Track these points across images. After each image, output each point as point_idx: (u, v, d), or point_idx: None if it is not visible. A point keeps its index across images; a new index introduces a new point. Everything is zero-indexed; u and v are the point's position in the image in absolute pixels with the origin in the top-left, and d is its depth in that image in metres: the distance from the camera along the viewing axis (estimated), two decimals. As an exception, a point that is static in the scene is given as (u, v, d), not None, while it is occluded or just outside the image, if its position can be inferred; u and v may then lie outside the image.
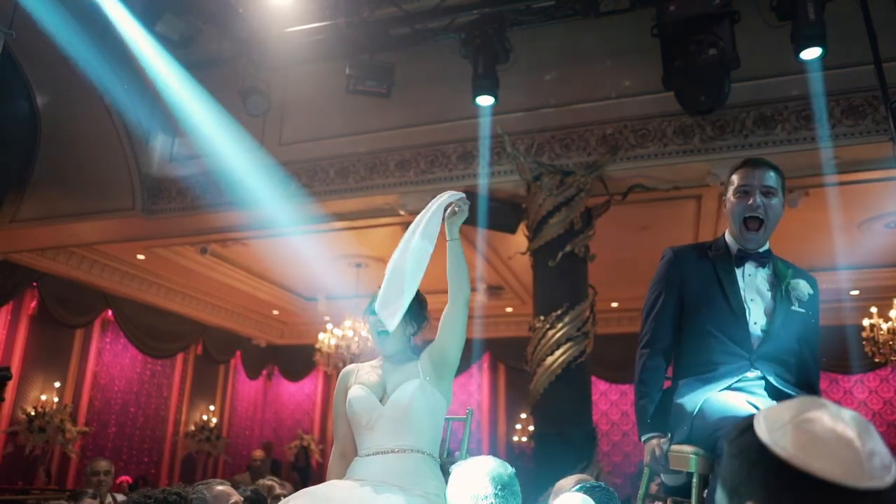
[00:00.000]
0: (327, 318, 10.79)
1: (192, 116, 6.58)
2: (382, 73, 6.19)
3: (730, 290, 2.42)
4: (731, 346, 2.37)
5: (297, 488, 3.78)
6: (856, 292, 10.34)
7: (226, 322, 13.06)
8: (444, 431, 2.65)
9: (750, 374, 2.35)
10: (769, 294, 2.44)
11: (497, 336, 12.77)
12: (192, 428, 12.45)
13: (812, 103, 5.62)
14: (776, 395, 2.32)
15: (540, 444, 6.05)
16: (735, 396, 2.25)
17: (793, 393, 2.32)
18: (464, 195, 2.52)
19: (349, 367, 2.70)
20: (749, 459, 0.93)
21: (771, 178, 2.46)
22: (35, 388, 9.56)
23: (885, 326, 9.19)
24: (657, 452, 2.34)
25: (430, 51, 6.49)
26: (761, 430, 0.93)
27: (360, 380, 2.55)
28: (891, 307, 9.07)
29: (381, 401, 2.46)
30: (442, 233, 2.57)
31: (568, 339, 5.89)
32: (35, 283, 9.57)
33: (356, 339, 10.15)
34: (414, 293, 2.46)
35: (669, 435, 2.36)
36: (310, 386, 14.70)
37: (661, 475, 2.46)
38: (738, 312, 2.39)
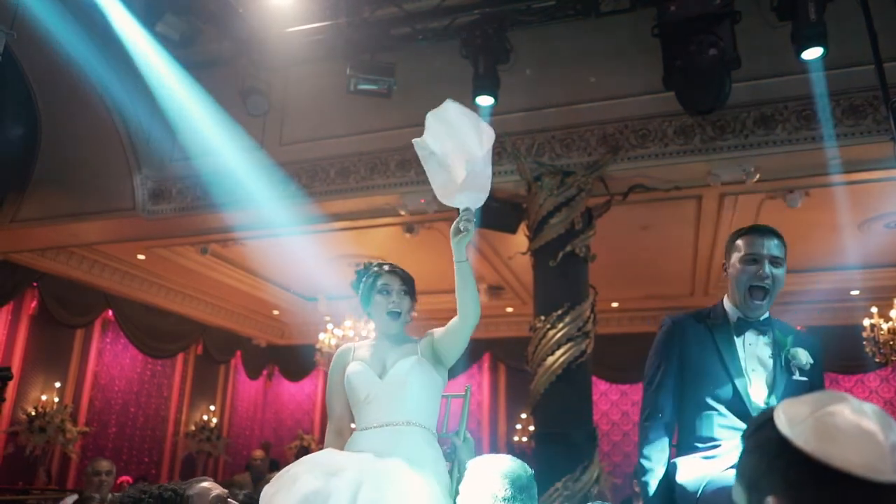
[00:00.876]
0: (328, 319, 10.79)
1: (192, 116, 6.58)
2: (383, 73, 6.18)
3: (730, 362, 2.38)
4: (732, 419, 2.33)
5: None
6: (856, 292, 10.34)
7: (226, 322, 13.06)
8: (443, 410, 2.68)
9: None
10: (770, 363, 2.40)
11: (497, 336, 12.76)
12: (193, 428, 12.45)
13: (813, 103, 5.63)
14: None
15: (540, 445, 6.04)
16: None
17: None
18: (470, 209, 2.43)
19: (346, 345, 2.73)
20: (769, 454, 0.93)
21: (779, 247, 2.42)
22: (35, 388, 9.56)
23: (885, 326, 9.18)
24: None
25: (431, 51, 6.49)
26: (782, 424, 0.92)
27: (358, 356, 2.59)
28: (891, 307, 9.07)
29: (379, 377, 2.50)
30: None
31: (568, 340, 5.88)
32: (35, 284, 9.57)
33: (357, 339, 10.14)
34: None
35: None
36: (310, 386, 14.69)
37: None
38: (738, 385, 2.35)
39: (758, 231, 2.44)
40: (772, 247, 2.41)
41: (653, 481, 2.38)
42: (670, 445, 2.46)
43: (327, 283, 10.67)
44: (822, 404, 0.93)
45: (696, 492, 2.25)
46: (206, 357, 12.93)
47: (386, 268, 2.67)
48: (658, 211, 7.79)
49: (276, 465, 11.37)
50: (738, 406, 2.33)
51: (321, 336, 10.56)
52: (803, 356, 2.36)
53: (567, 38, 6.39)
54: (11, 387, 8.53)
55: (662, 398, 2.45)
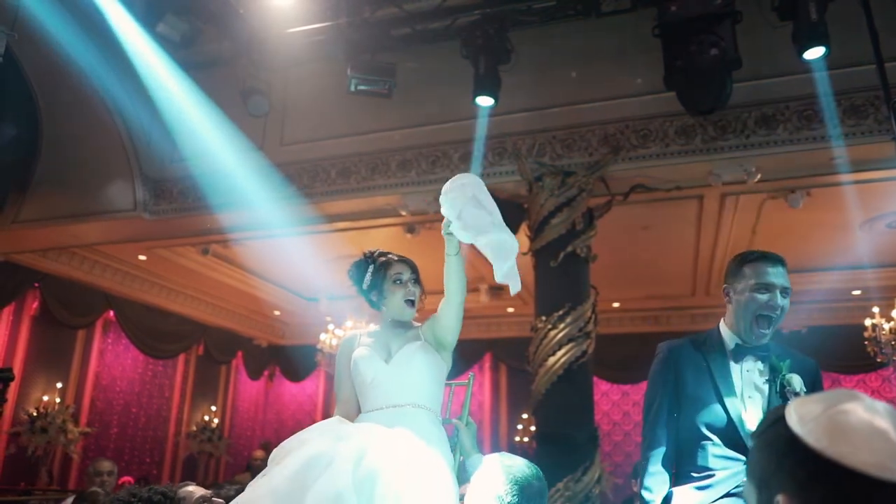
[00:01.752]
0: (329, 319, 10.79)
1: (193, 117, 6.57)
2: (384, 73, 6.18)
3: (724, 390, 2.37)
4: (726, 450, 2.33)
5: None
6: (857, 292, 10.34)
7: (227, 322, 13.07)
8: (446, 396, 2.72)
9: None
10: (766, 388, 2.38)
11: (498, 336, 12.76)
12: (194, 428, 12.46)
13: (815, 103, 5.62)
14: None
15: (541, 445, 6.04)
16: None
17: None
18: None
19: (351, 332, 2.79)
20: (779, 451, 0.92)
21: (787, 276, 2.40)
22: (37, 388, 9.57)
23: (886, 326, 9.17)
24: None
25: (432, 51, 6.49)
26: (793, 422, 0.91)
27: (364, 342, 2.64)
28: (892, 307, 9.05)
29: (385, 361, 2.54)
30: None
31: (570, 340, 5.88)
32: (37, 284, 9.58)
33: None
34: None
35: None
36: (311, 386, 14.69)
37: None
38: (733, 415, 2.34)
39: (769, 260, 2.40)
40: (783, 276, 2.39)
41: None
42: (671, 475, 2.46)
43: (328, 284, 10.68)
44: (834, 402, 0.92)
45: None
46: (208, 357, 12.94)
47: (394, 256, 2.69)
48: (659, 211, 7.78)
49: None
50: (731, 435, 2.33)
51: (322, 336, 10.56)
52: (797, 383, 2.34)
53: (568, 39, 6.38)
54: (13, 387, 8.53)
55: (660, 428, 2.46)
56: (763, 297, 2.35)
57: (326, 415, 14.32)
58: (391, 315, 2.66)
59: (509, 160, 6.46)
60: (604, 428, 12.48)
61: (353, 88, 6.19)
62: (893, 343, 9.08)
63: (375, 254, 2.69)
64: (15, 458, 9.06)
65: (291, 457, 2.15)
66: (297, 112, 7.24)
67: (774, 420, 0.96)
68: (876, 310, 9.28)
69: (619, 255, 8.43)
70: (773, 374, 2.38)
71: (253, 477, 7.65)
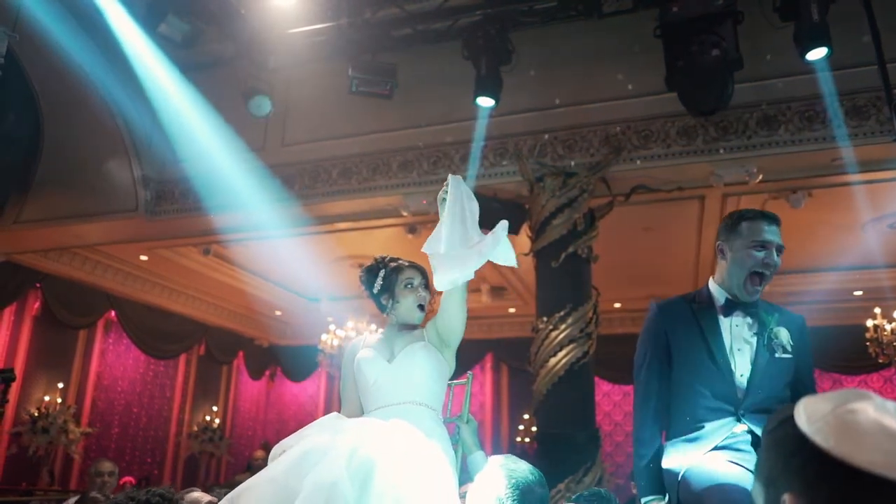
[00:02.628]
0: (330, 319, 10.80)
1: (194, 118, 6.58)
2: (385, 74, 6.18)
3: (713, 344, 2.40)
4: (715, 402, 2.35)
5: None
6: (859, 293, 10.32)
7: (228, 323, 13.07)
8: (446, 396, 2.77)
9: (737, 430, 2.32)
10: (755, 342, 2.41)
11: (500, 337, 12.76)
12: (195, 428, 12.46)
13: (816, 104, 5.62)
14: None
15: (543, 446, 6.04)
16: (717, 461, 2.24)
17: None
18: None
19: (357, 338, 2.86)
20: (786, 450, 0.91)
21: (780, 236, 2.43)
22: (39, 389, 9.58)
23: (888, 327, 9.17)
24: None
25: (433, 52, 6.49)
26: (801, 421, 0.90)
27: (368, 344, 2.71)
28: (894, 308, 9.05)
29: (388, 361, 2.61)
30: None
31: (571, 341, 5.88)
32: (38, 284, 9.59)
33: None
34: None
35: (667, 497, 2.37)
36: (312, 386, 14.70)
37: None
38: (722, 366, 2.37)
39: (766, 218, 2.43)
40: (778, 235, 2.42)
41: (647, 468, 2.42)
42: (661, 428, 2.50)
43: (330, 284, 10.69)
44: (843, 401, 0.91)
45: (678, 476, 2.29)
46: (209, 357, 12.95)
47: (405, 262, 2.76)
48: (661, 211, 7.77)
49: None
50: (721, 386, 2.36)
51: (323, 336, 10.57)
52: (784, 335, 2.38)
53: (569, 39, 6.38)
54: (15, 388, 8.55)
55: (650, 383, 2.49)
56: (759, 254, 2.38)
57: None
58: (400, 318, 2.71)
59: (510, 161, 6.46)
60: (605, 428, 12.47)
61: (354, 89, 6.19)
62: (895, 344, 9.07)
63: (387, 259, 2.77)
64: (16, 459, 9.07)
65: (290, 451, 2.19)
66: (298, 113, 7.25)
67: (783, 419, 0.95)
68: (878, 310, 9.27)
69: (620, 256, 8.42)
70: (762, 329, 2.41)
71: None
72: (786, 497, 0.88)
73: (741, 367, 2.37)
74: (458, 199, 2.58)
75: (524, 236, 6.66)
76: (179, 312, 11.96)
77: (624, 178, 6.39)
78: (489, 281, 10.43)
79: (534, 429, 9.72)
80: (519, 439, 12.79)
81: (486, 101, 5.94)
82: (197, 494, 2.66)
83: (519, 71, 6.22)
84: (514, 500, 1.95)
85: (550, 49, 6.45)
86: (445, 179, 6.75)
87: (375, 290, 2.72)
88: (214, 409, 12.97)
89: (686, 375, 2.42)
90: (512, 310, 12.13)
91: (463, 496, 2.20)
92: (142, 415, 11.48)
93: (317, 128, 7.17)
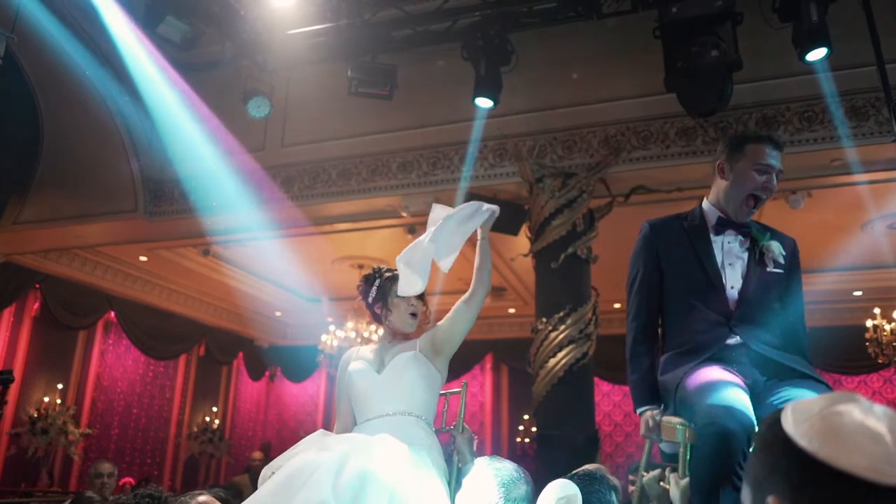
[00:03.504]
0: (330, 319, 10.80)
1: (193, 118, 6.58)
2: (384, 75, 6.18)
3: (705, 259, 2.42)
4: (708, 314, 2.38)
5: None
6: (859, 293, 10.32)
7: (228, 323, 13.07)
8: (441, 406, 2.81)
9: (730, 342, 2.33)
10: (746, 258, 2.44)
11: (500, 337, 12.76)
12: (195, 429, 12.46)
13: (815, 105, 5.62)
14: (758, 360, 2.30)
15: (542, 447, 6.03)
16: (712, 369, 2.25)
17: (776, 357, 2.30)
18: (496, 208, 2.77)
19: (350, 349, 2.89)
20: (774, 453, 0.91)
21: (781, 161, 2.46)
22: (38, 389, 9.57)
23: (888, 327, 9.18)
24: (650, 423, 2.40)
25: (432, 53, 6.49)
26: (787, 423, 0.91)
27: (360, 356, 2.75)
28: (894, 308, 9.05)
29: (377, 372, 2.64)
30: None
31: (570, 342, 5.88)
32: (38, 285, 9.58)
33: (358, 340, 10.15)
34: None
35: (662, 406, 2.42)
36: (312, 387, 14.70)
37: (660, 444, 2.48)
38: (713, 278, 2.39)
39: (772, 142, 2.43)
40: (780, 160, 2.43)
41: (641, 379, 2.47)
42: (653, 344, 2.54)
43: (329, 284, 10.69)
44: (829, 404, 0.90)
45: (675, 385, 2.31)
46: (209, 358, 12.95)
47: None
48: (660, 212, 7.62)
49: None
50: (713, 301, 2.38)
51: (323, 337, 10.57)
52: (776, 247, 2.41)
53: (569, 40, 6.38)
54: (14, 388, 8.54)
55: (643, 301, 2.53)
56: (761, 178, 2.39)
57: (328, 415, 14.35)
58: (393, 327, 2.75)
59: (510, 161, 6.46)
60: (605, 429, 12.48)
61: (353, 90, 6.19)
62: (894, 344, 9.08)
63: (383, 269, 2.84)
64: (15, 460, 9.06)
65: (277, 472, 2.20)
66: (297, 113, 7.25)
67: (773, 422, 0.94)
68: (877, 311, 9.27)
69: (620, 256, 8.39)
70: (753, 244, 2.44)
71: (251, 478, 7.68)
72: (770, 499, 0.88)
73: (732, 280, 2.40)
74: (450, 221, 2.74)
75: (524, 237, 6.66)
76: (179, 313, 11.95)
77: (623, 179, 6.39)
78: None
79: (534, 429, 9.72)
80: (519, 440, 12.79)
81: (484, 102, 5.94)
82: (204, 498, 2.66)
83: (518, 72, 6.22)
84: (501, 498, 2.02)
85: (550, 50, 6.45)
86: (445, 180, 6.74)
87: (370, 300, 2.77)
88: (214, 409, 12.97)
89: (678, 291, 2.46)
90: (512, 310, 12.12)
91: None
92: (141, 416, 11.48)
93: (316, 129, 7.17)
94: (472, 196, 6.55)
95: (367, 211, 7.27)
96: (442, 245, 2.69)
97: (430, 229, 2.70)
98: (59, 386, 9.79)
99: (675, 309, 2.47)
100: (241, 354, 13.83)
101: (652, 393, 2.44)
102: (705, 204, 2.55)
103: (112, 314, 10.84)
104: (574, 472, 3.03)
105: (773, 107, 5.82)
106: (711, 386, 2.15)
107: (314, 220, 7.39)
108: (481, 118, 6.22)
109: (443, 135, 6.69)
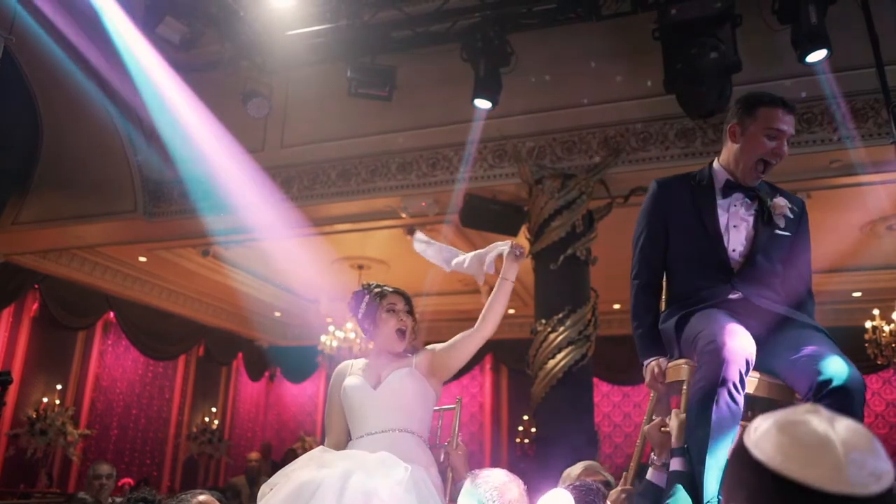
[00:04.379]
0: (329, 320, 10.79)
1: (192, 119, 6.58)
2: (384, 75, 6.18)
3: (707, 219, 2.41)
4: (711, 273, 2.38)
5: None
6: (858, 294, 10.32)
7: (228, 323, 13.06)
8: (436, 421, 2.81)
9: (732, 296, 2.33)
10: (751, 220, 2.42)
11: (499, 338, 12.68)
12: (194, 430, 12.45)
13: (814, 106, 5.62)
14: (759, 312, 2.29)
15: (541, 448, 6.04)
16: (714, 310, 2.26)
17: (778, 310, 2.30)
18: (523, 249, 2.81)
19: (343, 363, 2.86)
20: (738, 463, 0.94)
21: (794, 125, 2.43)
22: (37, 390, 9.56)
23: (887, 329, 9.17)
24: (656, 371, 2.40)
25: (432, 54, 6.49)
26: (747, 434, 0.94)
27: (355, 371, 2.73)
28: (893, 309, 9.05)
29: (374, 388, 2.63)
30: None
31: (569, 343, 5.88)
32: (37, 286, 9.57)
33: (358, 340, 10.15)
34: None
35: (668, 356, 2.42)
36: (312, 387, 14.69)
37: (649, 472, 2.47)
38: (715, 239, 2.38)
39: (785, 106, 2.39)
40: (793, 125, 2.40)
41: (645, 333, 2.48)
42: (656, 300, 2.55)
43: (329, 285, 10.68)
44: (788, 415, 0.93)
45: (675, 327, 2.33)
46: (208, 358, 12.93)
47: (389, 288, 2.81)
48: None
49: (278, 467, 11.40)
50: (715, 259, 2.38)
51: (323, 338, 10.56)
52: (784, 203, 2.40)
53: (568, 41, 6.38)
54: (13, 389, 8.53)
55: (647, 258, 2.54)
56: (772, 143, 2.36)
57: (327, 416, 14.28)
58: (382, 345, 2.74)
59: (510, 162, 6.46)
60: (605, 430, 12.48)
61: (353, 91, 6.19)
62: (894, 345, 9.08)
63: (372, 286, 2.82)
64: (14, 461, 9.05)
65: (279, 489, 2.21)
66: (297, 114, 7.25)
67: (742, 433, 0.99)
68: (876, 312, 9.27)
69: (620, 257, 8.38)
70: (761, 206, 2.42)
71: (248, 479, 7.66)
72: None
73: (734, 243, 2.39)
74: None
75: (523, 238, 6.66)
76: (178, 313, 11.94)
77: (623, 180, 6.39)
78: (489, 282, 10.39)
79: (533, 430, 9.72)
80: (518, 440, 12.78)
81: (483, 103, 5.94)
82: (203, 498, 2.66)
83: (518, 73, 6.22)
84: (495, 501, 2.08)
85: (549, 51, 6.45)
86: (444, 181, 6.73)
87: (360, 316, 2.77)
88: (214, 410, 12.96)
89: (681, 251, 2.47)
90: (511, 311, 12.10)
91: None
92: (141, 416, 11.47)
93: (315, 129, 7.17)
94: (471, 196, 6.56)
95: (367, 212, 7.27)
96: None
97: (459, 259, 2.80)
98: (59, 386, 9.78)
99: (679, 268, 2.49)
100: (240, 355, 13.82)
101: (657, 343, 2.46)
102: (715, 164, 2.52)
103: (111, 315, 10.83)
104: (570, 469, 3.03)
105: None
106: (714, 319, 2.18)
107: (313, 220, 7.38)
108: (480, 119, 6.22)
109: (442, 136, 6.68)
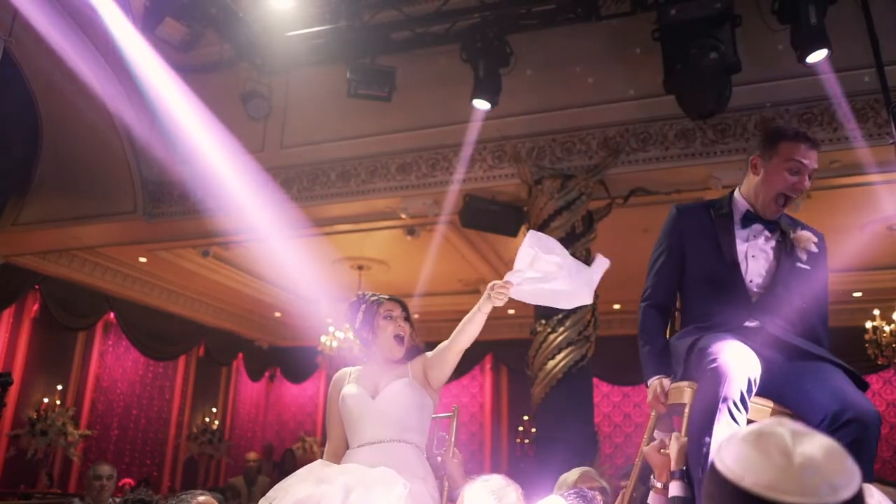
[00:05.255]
0: (329, 321, 10.79)
1: (192, 120, 6.57)
2: (383, 76, 6.18)
3: (725, 248, 2.40)
4: (728, 298, 2.37)
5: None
6: (858, 294, 10.31)
7: (228, 324, 13.06)
8: (432, 431, 2.80)
9: (749, 324, 2.32)
10: (772, 252, 2.41)
11: (499, 338, 12.72)
12: (195, 430, 12.45)
13: (814, 106, 5.62)
14: (775, 342, 2.28)
15: (541, 448, 6.03)
16: (727, 336, 2.23)
17: (794, 341, 2.29)
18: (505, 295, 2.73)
19: (341, 371, 2.85)
20: (706, 476, 0.98)
21: (817, 159, 2.41)
22: (37, 391, 9.56)
23: (887, 329, 9.17)
24: (658, 390, 2.39)
25: (431, 54, 6.49)
26: (714, 447, 0.98)
27: (353, 380, 2.73)
28: (893, 309, 9.05)
29: (372, 397, 2.62)
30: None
31: (569, 344, 5.87)
32: (37, 286, 9.57)
33: (358, 340, 10.13)
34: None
35: (672, 376, 2.41)
36: (312, 388, 14.69)
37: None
38: (733, 271, 2.38)
39: (808, 141, 2.37)
40: (815, 160, 2.38)
41: (651, 352, 2.47)
42: (667, 323, 2.55)
43: (329, 285, 10.67)
44: (756, 428, 0.95)
45: (688, 347, 2.30)
46: (208, 359, 12.93)
47: (385, 296, 2.81)
48: (659, 214, 7.62)
49: (278, 467, 11.39)
50: (734, 292, 2.36)
51: (323, 338, 10.56)
52: (807, 236, 2.39)
53: (568, 42, 6.38)
54: (13, 390, 8.54)
55: (661, 281, 2.55)
56: (794, 178, 2.35)
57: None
58: (381, 353, 2.74)
59: (509, 163, 6.45)
60: (605, 430, 12.47)
61: (352, 92, 6.19)
62: (894, 345, 9.07)
63: (368, 294, 2.82)
64: (15, 461, 9.05)
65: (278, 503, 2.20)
66: (296, 115, 7.24)
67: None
68: (876, 312, 9.27)
69: (619, 257, 8.36)
70: (783, 237, 2.41)
71: (245, 479, 7.64)
72: None
73: (752, 273, 2.38)
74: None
75: (522, 239, 6.65)
76: (179, 314, 11.94)
77: (622, 181, 6.39)
78: (488, 281, 10.40)
79: (533, 430, 9.72)
80: (518, 440, 12.78)
81: (483, 104, 5.94)
82: (203, 499, 2.67)
83: (517, 73, 6.22)
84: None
85: (549, 52, 6.45)
86: (443, 182, 6.70)
87: (357, 325, 2.77)
88: (214, 410, 12.96)
89: (699, 278, 2.46)
90: (511, 311, 12.10)
91: None
92: (141, 417, 11.47)
93: (315, 130, 7.17)
94: (471, 197, 6.56)
95: (367, 212, 7.27)
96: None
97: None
98: (59, 387, 9.78)
99: (696, 292, 2.48)
100: (240, 355, 13.82)
101: (663, 364, 2.44)
102: (736, 194, 2.52)
103: (111, 315, 10.83)
104: (566, 475, 3.03)
105: (771, 109, 5.82)
106: (722, 340, 2.17)
107: (313, 221, 7.38)
108: (480, 120, 6.22)
109: (442, 136, 6.68)
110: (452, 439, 2.75)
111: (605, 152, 6.22)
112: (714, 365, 2.05)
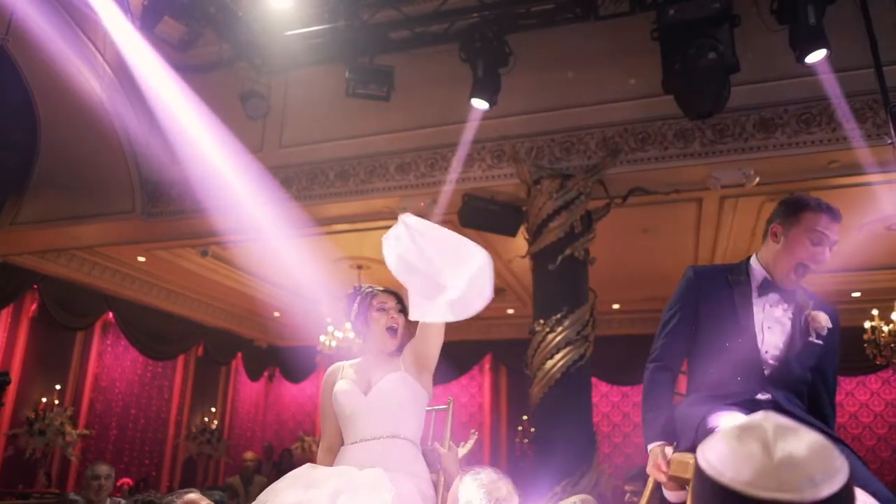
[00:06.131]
0: (329, 320, 10.79)
1: (191, 119, 6.56)
2: (382, 76, 6.18)
3: (744, 318, 2.36)
4: (741, 367, 2.33)
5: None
6: (857, 294, 10.32)
7: (227, 324, 13.06)
8: (428, 422, 2.79)
9: (762, 396, 2.30)
10: (788, 323, 2.37)
11: (499, 338, 12.75)
12: (194, 430, 12.44)
13: (813, 107, 5.62)
14: (787, 416, 2.26)
15: (540, 449, 6.03)
16: (736, 412, 2.20)
17: (807, 419, 2.25)
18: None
19: (334, 365, 2.87)
20: (695, 474, 0.97)
21: (839, 233, 2.37)
22: (35, 390, 9.56)
23: (886, 329, 9.17)
24: (660, 458, 2.32)
25: (430, 54, 6.48)
26: (699, 447, 0.97)
27: (345, 375, 2.73)
28: (892, 309, 9.05)
29: (364, 393, 2.61)
30: None
31: (568, 343, 5.87)
32: (36, 286, 9.56)
33: (357, 340, 10.13)
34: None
35: (675, 444, 2.35)
36: (311, 387, 14.68)
37: (664, 491, 2.42)
38: (749, 341, 2.34)
39: (833, 214, 2.34)
40: (837, 232, 2.35)
41: (656, 417, 2.40)
42: (673, 385, 2.49)
43: (328, 285, 10.66)
44: (741, 424, 0.95)
45: (699, 418, 2.24)
46: (207, 359, 12.93)
47: (380, 288, 2.80)
48: (658, 214, 7.77)
49: (276, 466, 11.39)
50: (748, 360, 2.33)
51: (322, 337, 10.56)
52: (823, 319, 2.34)
53: (566, 42, 6.38)
54: (11, 389, 8.53)
55: (671, 343, 2.48)
56: (817, 249, 2.32)
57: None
58: (375, 344, 2.72)
59: (508, 163, 6.45)
60: (603, 430, 12.47)
61: (351, 91, 6.19)
62: (893, 345, 9.07)
63: (364, 287, 2.82)
64: (13, 461, 9.05)
65: None
66: (295, 115, 7.24)
67: None
68: (875, 312, 9.27)
69: (618, 257, 8.41)
70: (798, 311, 2.37)
71: (242, 479, 7.65)
72: None
73: (767, 345, 2.34)
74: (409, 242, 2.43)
75: (522, 238, 6.66)
76: (177, 313, 11.94)
77: (621, 181, 6.38)
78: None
79: (532, 430, 9.72)
80: (518, 440, 12.78)
81: (481, 104, 5.94)
82: (193, 496, 2.66)
83: (516, 73, 6.22)
84: (483, 498, 2.12)
85: (548, 51, 6.44)
86: (442, 182, 6.72)
87: (352, 317, 2.77)
88: (213, 410, 12.95)
89: (713, 343, 2.41)
90: (510, 311, 12.12)
91: None
92: (140, 416, 11.46)
93: (314, 130, 7.16)
94: (470, 197, 6.56)
95: (365, 212, 7.26)
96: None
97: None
98: (57, 387, 9.77)
99: (707, 360, 2.42)
100: (239, 355, 13.82)
101: (666, 430, 2.39)
102: (754, 261, 2.48)
103: (110, 315, 10.83)
104: (564, 502, 3.04)
105: (770, 109, 5.82)
106: (727, 411, 2.15)
107: (312, 221, 7.38)
108: (479, 119, 6.22)
109: (441, 136, 6.67)
110: (448, 433, 2.73)
111: (603, 152, 6.22)
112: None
